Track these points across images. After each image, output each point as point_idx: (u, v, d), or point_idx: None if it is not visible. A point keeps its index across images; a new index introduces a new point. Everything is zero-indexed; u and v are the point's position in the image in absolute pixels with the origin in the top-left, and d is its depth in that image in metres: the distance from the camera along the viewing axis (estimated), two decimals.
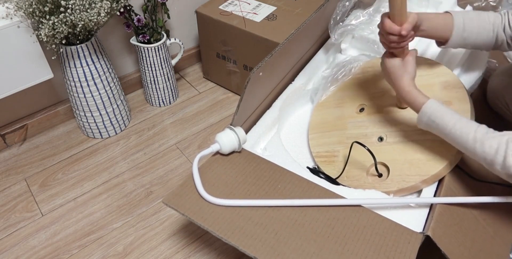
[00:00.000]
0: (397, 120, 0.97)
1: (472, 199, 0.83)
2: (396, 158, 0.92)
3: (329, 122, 1.06)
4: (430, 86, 0.97)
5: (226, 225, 0.79)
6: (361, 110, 1.04)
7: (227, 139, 0.90)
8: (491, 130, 0.76)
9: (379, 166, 0.93)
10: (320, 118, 1.09)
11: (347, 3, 1.10)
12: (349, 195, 0.87)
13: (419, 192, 0.90)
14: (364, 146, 0.91)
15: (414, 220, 0.82)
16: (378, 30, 1.16)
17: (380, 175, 0.92)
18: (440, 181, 0.89)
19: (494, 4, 1.16)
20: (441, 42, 0.93)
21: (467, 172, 0.90)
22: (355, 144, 0.93)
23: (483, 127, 0.77)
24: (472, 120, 0.79)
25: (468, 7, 1.23)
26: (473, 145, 0.76)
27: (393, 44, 0.85)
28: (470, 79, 1.08)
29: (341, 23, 1.12)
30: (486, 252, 0.81)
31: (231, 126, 0.92)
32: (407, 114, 0.97)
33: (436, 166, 0.87)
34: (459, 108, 0.92)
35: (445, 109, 0.81)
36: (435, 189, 0.89)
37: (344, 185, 0.94)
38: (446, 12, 0.90)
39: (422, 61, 1.03)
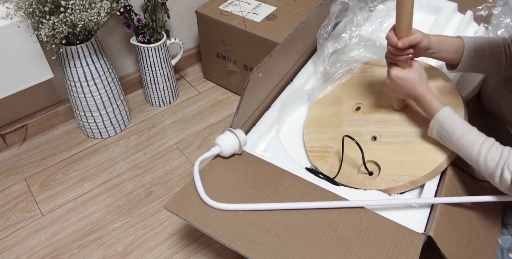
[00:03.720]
0: (392, 121, 0.98)
1: (473, 199, 0.84)
2: (388, 158, 0.93)
3: (325, 118, 1.07)
4: None
5: (228, 230, 0.79)
6: (358, 108, 1.05)
7: (227, 142, 0.89)
8: (498, 143, 0.77)
9: (371, 165, 0.94)
10: (316, 114, 1.09)
11: (327, 29, 1.10)
12: (351, 196, 0.87)
13: (420, 192, 0.91)
14: (352, 139, 0.92)
15: (415, 220, 0.82)
16: (371, 31, 1.17)
17: (371, 173, 0.94)
18: (441, 181, 0.90)
19: (496, 12, 1.16)
20: (451, 66, 0.95)
21: (467, 172, 0.90)
22: (348, 142, 0.93)
23: (490, 140, 0.78)
24: (482, 133, 0.80)
25: (469, 13, 1.24)
26: (477, 157, 0.78)
27: (390, 55, 0.88)
28: (473, 81, 1.08)
29: (330, 49, 1.12)
30: (478, 252, 0.83)
31: (231, 129, 0.91)
32: (402, 116, 0.98)
33: (426, 168, 0.89)
34: None
35: (457, 118, 0.83)
36: (435, 188, 0.89)
37: (344, 185, 0.94)
38: (458, 36, 0.93)
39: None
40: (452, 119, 0.83)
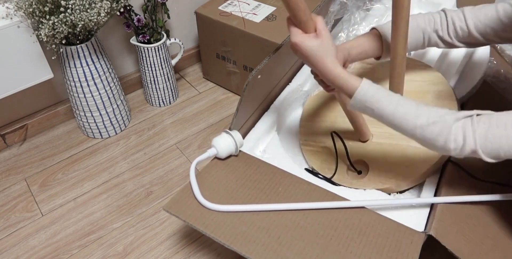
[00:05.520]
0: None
1: (474, 198, 0.84)
2: (378, 158, 0.93)
3: (321, 112, 1.07)
4: (423, 93, 0.99)
5: (228, 231, 0.79)
6: None
7: (224, 143, 0.89)
8: (433, 112, 0.71)
9: (360, 164, 0.95)
10: (313, 107, 1.09)
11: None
12: (350, 196, 0.87)
13: (420, 190, 0.91)
14: (338, 135, 0.92)
15: (415, 219, 0.82)
16: (367, 28, 1.15)
17: (359, 172, 0.94)
18: (441, 180, 0.90)
19: None
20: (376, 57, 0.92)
21: (467, 171, 0.90)
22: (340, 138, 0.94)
23: (424, 113, 0.71)
24: (411, 101, 0.72)
25: None
26: (413, 131, 0.71)
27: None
28: (472, 80, 1.08)
29: None
30: (501, 247, 0.81)
31: (227, 130, 0.92)
32: None
33: (414, 173, 0.89)
34: None
35: (381, 94, 0.73)
36: (435, 187, 0.89)
37: (343, 185, 0.94)
38: (373, 28, 0.89)
39: (419, 66, 1.03)
40: (375, 95, 0.72)
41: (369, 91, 0.73)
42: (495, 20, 0.83)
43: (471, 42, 0.88)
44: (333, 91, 0.85)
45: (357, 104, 0.74)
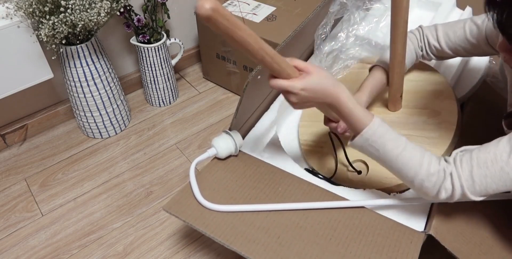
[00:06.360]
0: (386, 122, 0.97)
1: None
2: None
3: (320, 112, 1.07)
4: (422, 93, 0.98)
5: (228, 231, 0.79)
6: None
7: (223, 144, 0.90)
8: (433, 163, 0.70)
9: (360, 164, 0.95)
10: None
11: (325, 30, 1.10)
12: (350, 196, 0.87)
13: None
14: (336, 135, 0.92)
15: (415, 219, 0.82)
16: (368, 30, 1.13)
17: (359, 172, 0.94)
18: None
19: None
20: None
21: None
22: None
23: (427, 161, 0.70)
24: (417, 147, 0.72)
25: (468, 8, 1.23)
26: (413, 178, 0.71)
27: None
28: (472, 79, 1.08)
29: (326, 49, 1.12)
30: (499, 247, 0.81)
31: (227, 130, 0.92)
32: (396, 117, 0.98)
33: None
34: (446, 120, 0.92)
35: (389, 136, 0.71)
36: None
37: (343, 185, 0.94)
38: (374, 66, 0.96)
39: (419, 66, 1.03)
40: (382, 137, 0.71)
41: (377, 132, 0.71)
42: (463, 39, 0.90)
43: (445, 56, 0.96)
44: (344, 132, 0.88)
45: (361, 142, 0.72)
